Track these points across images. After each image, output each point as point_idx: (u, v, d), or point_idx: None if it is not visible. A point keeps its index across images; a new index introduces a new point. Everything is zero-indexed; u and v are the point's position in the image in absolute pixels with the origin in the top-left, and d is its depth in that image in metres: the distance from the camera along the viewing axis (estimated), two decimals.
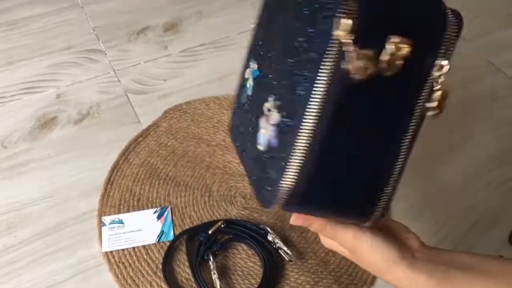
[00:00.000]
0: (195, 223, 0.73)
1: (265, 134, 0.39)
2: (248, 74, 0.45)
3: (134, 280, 0.67)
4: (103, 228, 0.72)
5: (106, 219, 0.73)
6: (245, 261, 0.69)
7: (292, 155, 0.35)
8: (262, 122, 0.40)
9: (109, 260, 0.69)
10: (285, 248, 0.68)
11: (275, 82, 0.40)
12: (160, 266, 0.68)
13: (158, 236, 0.71)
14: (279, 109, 0.38)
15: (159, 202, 0.75)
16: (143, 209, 0.74)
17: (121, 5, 1.09)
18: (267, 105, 0.39)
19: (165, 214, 0.74)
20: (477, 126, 0.90)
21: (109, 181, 0.78)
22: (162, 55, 0.99)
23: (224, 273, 0.68)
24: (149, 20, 1.06)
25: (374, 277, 0.69)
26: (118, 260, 0.69)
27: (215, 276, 0.65)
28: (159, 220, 0.73)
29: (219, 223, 0.70)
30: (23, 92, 0.91)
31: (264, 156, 0.39)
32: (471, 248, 0.72)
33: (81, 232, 0.72)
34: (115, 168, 0.79)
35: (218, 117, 0.88)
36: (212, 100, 0.90)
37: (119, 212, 0.74)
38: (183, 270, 0.68)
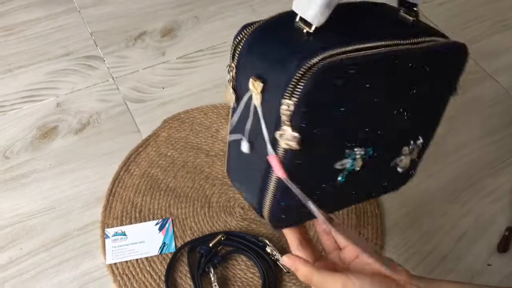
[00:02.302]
0: (195, 235, 0.75)
1: None
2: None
3: None
4: (107, 241, 0.74)
5: (110, 231, 0.75)
6: (245, 272, 0.72)
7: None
8: None
9: (113, 272, 0.71)
10: None
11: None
12: (162, 277, 0.71)
13: (160, 248, 0.73)
14: None
15: (160, 213, 0.78)
16: (145, 220, 0.77)
17: (118, 9, 1.10)
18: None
19: (167, 226, 0.76)
20: (467, 134, 0.93)
21: (111, 192, 0.80)
22: (160, 61, 1.00)
23: (224, 283, 0.71)
24: (146, 25, 1.07)
25: None
26: (122, 272, 0.71)
27: None
28: (160, 232, 0.75)
29: (219, 236, 0.72)
30: (23, 100, 0.92)
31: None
32: (460, 258, 0.76)
33: (85, 243, 0.74)
34: (117, 179, 0.81)
35: (217, 126, 0.89)
36: (210, 109, 0.92)
37: (121, 224, 0.76)
38: (185, 281, 0.70)
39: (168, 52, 1.02)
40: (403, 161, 0.50)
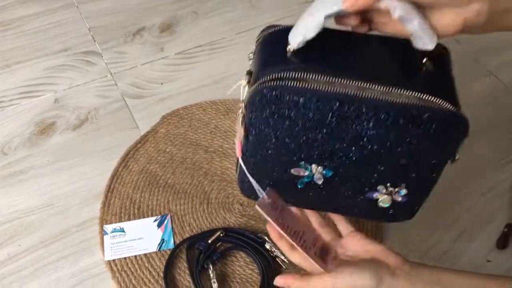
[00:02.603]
0: (194, 231, 0.75)
1: None
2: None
3: None
4: (105, 237, 0.73)
5: (108, 227, 0.75)
6: (244, 268, 0.72)
7: None
8: None
9: (111, 268, 0.71)
10: (282, 257, 0.70)
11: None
12: (161, 274, 0.70)
13: (159, 244, 0.73)
14: None
15: (159, 210, 0.77)
16: (144, 217, 0.76)
17: (116, 4, 1.09)
18: None
19: (165, 222, 0.76)
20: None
21: (110, 188, 0.79)
22: (159, 57, 1.00)
23: (223, 280, 0.71)
24: (144, 20, 1.06)
25: None
26: (120, 268, 0.71)
27: (215, 285, 0.67)
28: (159, 228, 0.75)
29: (218, 233, 0.72)
30: (21, 96, 0.91)
31: None
32: (460, 254, 0.76)
33: (83, 240, 0.74)
34: (115, 175, 0.81)
35: (216, 122, 0.89)
36: (209, 105, 0.92)
37: (120, 220, 0.76)
38: (183, 278, 0.70)
39: (166, 48, 1.02)
40: (382, 199, 0.53)
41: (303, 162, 0.50)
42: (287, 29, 0.48)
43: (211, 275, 0.68)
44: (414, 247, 0.76)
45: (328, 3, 0.45)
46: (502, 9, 0.45)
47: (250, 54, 0.53)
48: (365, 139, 0.47)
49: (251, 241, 0.73)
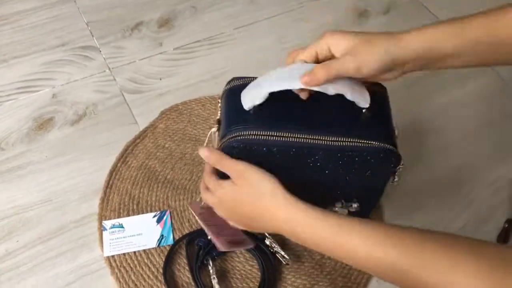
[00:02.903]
0: (194, 227, 0.75)
1: None
2: None
3: (136, 284, 0.69)
4: (104, 233, 0.73)
5: (107, 223, 0.74)
6: (243, 264, 0.72)
7: None
8: None
9: (110, 264, 0.71)
10: (282, 252, 0.70)
11: None
12: (161, 270, 0.70)
13: (158, 240, 0.73)
14: None
15: (158, 205, 0.77)
16: (143, 212, 0.76)
17: None
18: None
19: (165, 218, 0.75)
20: (467, 126, 0.92)
21: (108, 184, 0.79)
22: (157, 52, 0.99)
23: (223, 276, 0.70)
24: (143, 15, 1.06)
25: (368, 279, 0.72)
26: (119, 264, 0.71)
27: (214, 281, 0.67)
28: (158, 224, 0.74)
29: None
30: (18, 91, 0.90)
31: None
32: None
33: (82, 236, 0.73)
34: (114, 171, 0.80)
35: (215, 117, 0.88)
36: (208, 100, 0.91)
37: (119, 216, 0.75)
38: (183, 274, 0.70)
39: (165, 43, 1.01)
40: (340, 211, 0.67)
41: None
42: (249, 84, 0.60)
43: (211, 271, 0.68)
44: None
45: (276, 80, 0.56)
46: (435, 60, 0.55)
47: (219, 100, 0.65)
48: (319, 173, 0.60)
49: (250, 237, 0.72)
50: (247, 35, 1.04)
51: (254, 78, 0.63)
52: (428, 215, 0.79)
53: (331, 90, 0.54)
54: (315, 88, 0.54)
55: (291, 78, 0.55)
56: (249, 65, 0.98)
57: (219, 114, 0.65)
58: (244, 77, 0.64)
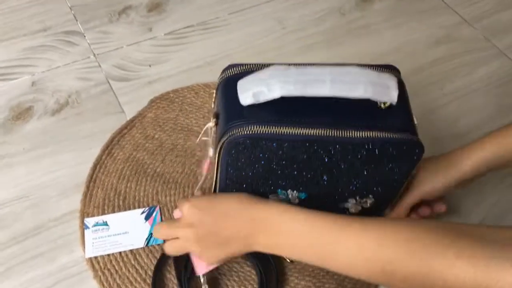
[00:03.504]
0: None
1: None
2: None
3: None
4: (86, 231, 0.66)
5: (89, 221, 0.67)
6: (241, 265, 0.65)
7: None
8: None
9: (93, 266, 0.63)
10: None
11: None
12: (149, 272, 0.63)
13: (147, 239, 0.66)
14: None
15: (147, 201, 0.70)
16: (130, 209, 0.69)
17: None
18: None
19: (154, 215, 0.68)
20: (479, 114, 0.85)
21: (92, 178, 0.71)
22: (146, 38, 0.92)
23: (218, 279, 0.63)
24: None
25: None
26: (103, 266, 0.63)
27: None
28: (147, 221, 0.67)
29: None
30: None
31: None
32: None
33: (61, 235, 0.66)
34: (98, 164, 0.73)
35: (209, 106, 0.81)
36: (201, 88, 0.84)
37: (103, 213, 0.68)
38: (174, 276, 0.63)
39: (155, 28, 0.94)
40: (352, 208, 0.61)
41: (279, 189, 0.57)
42: (247, 72, 0.54)
43: (202, 280, 0.61)
44: None
45: (296, 83, 0.50)
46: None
47: (214, 91, 0.57)
48: (334, 168, 0.54)
49: None
50: (243, 19, 0.97)
51: (254, 66, 0.56)
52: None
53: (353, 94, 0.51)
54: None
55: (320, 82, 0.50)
56: (245, 51, 0.91)
57: (214, 107, 0.58)
58: (242, 64, 0.57)
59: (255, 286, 0.63)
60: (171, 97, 0.82)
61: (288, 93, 0.49)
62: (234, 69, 0.56)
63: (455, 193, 0.69)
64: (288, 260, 0.63)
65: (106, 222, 0.67)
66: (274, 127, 0.50)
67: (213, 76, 0.85)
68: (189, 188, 0.71)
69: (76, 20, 0.94)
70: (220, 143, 0.52)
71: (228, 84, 0.55)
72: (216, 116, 0.55)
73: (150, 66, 0.87)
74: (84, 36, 0.91)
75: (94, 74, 0.85)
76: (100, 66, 0.86)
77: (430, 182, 0.61)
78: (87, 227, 0.66)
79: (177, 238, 0.55)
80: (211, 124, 0.55)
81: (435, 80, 0.89)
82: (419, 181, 0.61)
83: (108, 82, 0.84)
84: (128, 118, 0.79)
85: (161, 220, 0.68)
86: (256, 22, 0.97)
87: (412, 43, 0.95)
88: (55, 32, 0.91)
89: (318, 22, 0.98)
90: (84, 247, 0.65)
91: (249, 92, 0.50)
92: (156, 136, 0.77)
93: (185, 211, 0.54)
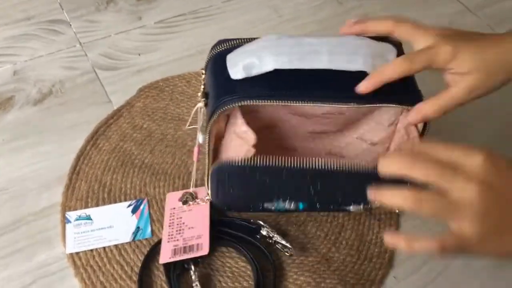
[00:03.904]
0: None
1: None
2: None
3: (105, 286, 0.57)
4: (68, 226, 0.61)
5: (71, 214, 0.62)
6: (236, 260, 0.60)
7: None
8: None
9: (74, 263, 0.58)
10: (283, 242, 0.58)
11: None
12: (136, 268, 0.58)
13: (133, 233, 0.61)
14: None
15: (134, 193, 0.65)
16: (115, 202, 0.64)
17: None
18: None
19: (141, 208, 0.63)
20: (489, 100, 0.81)
21: (75, 170, 0.67)
22: (136, 26, 0.88)
23: (210, 275, 0.58)
24: None
25: (384, 275, 0.60)
26: (85, 263, 0.58)
27: None
28: (134, 215, 0.63)
29: None
30: None
31: None
32: None
33: (41, 230, 0.61)
34: (82, 155, 0.68)
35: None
36: (193, 76, 0.80)
37: (86, 206, 0.63)
38: (162, 273, 0.58)
39: (145, 17, 0.90)
40: (353, 211, 0.55)
41: (276, 199, 0.53)
42: (238, 46, 0.50)
43: (193, 277, 0.56)
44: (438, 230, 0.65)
45: (291, 54, 0.46)
46: None
47: (203, 71, 0.54)
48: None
49: (241, 233, 0.60)
50: (238, 8, 0.93)
51: (245, 40, 0.52)
52: None
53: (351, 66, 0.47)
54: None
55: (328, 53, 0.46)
56: None
57: (203, 87, 0.54)
58: (233, 39, 0.53)
59: (250, 282, 0.58)
60: (161, 86, 0.78)
61: (282, 65, 0.45)
62: (224, 44, 0.52)
63: None
64: (287, 254, 0.59)
65: (89, 216, 0.62)
66: (267, 102, 0.46)
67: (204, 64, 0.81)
68: (180, 180, 0.67)
69: (62, 9, 0.89)
70: (211, 122, 0.47)
71: (217, 60, 0.51)
72: (205, 95, 0.50)
73: (139, 55, 0.83)
74: (70, 25, 0.87)
75: (80, 63, 0.81)
76: (86, 55, 0.82)
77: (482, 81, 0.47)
78: (69, 221, 0.61)
79: (439, 191, 0.36)
80: (200, 104, 0.50)
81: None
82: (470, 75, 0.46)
83: (95, 71, 0.80)
84: (115, 108, 0.75)
85: (149, 214, 0.63)
86: (251, 10, 0.93)
87: None
88: (39, 21, 0.87)
89: (315, 10, 0.94)
90: (65, 243, 0.60)
91: (240, 66, 0.46)
92: (145, 126, 0.73)
93: (478, 162, 0.36)
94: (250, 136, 0.49)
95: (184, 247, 0.56)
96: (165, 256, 0.55)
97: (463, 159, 0.36)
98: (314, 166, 0.48)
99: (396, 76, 0.46)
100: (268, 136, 0.54)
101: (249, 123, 0.50)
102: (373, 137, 0.56)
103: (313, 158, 0.49)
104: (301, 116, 0.53)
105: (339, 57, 0.46)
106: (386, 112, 0.53)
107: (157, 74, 0.80)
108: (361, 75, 0.47)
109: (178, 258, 0.55)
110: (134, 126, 0.72)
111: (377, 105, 0.48)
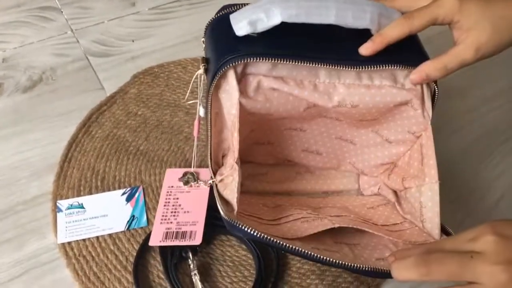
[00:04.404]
0: None
1: None
2: None
3: (98, 277, 0.54)
4: (59, 215, 0.58)
5: (63, 203, 0.59)
6: (236, 249, 0.57)
7: None
8: None
9: (66, 254, 0.55)
10: None
11: None
12: (130, 258, 0.55)
13: (128, 222, 0.58)
14: None
15: (129, 181, 0.62)
16: (109, 190, 0.61)
17: None
18: None
19: (136, 196, 0.60)
20: (492, 85, 0.79)
21: (66, 158, 0.64)
22: (129, 12, 0.85)
23: (210, 264, 0.55)
24: None
25: None
26: (78, 253, 0.56)
27: (196, 278, 0.52)
28: (128, 203, 0.60)
29: None
30: None
31: None
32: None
33: (31, 220, 0.58)
34: (74, 142, 0.66)
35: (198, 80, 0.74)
36: (189, 62, 0.77)
37: (78, 195, 0.60)
38: (159, 262, 0.55)
39: (139, 2, 0.87)
40: None
41: None
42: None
43: (191, 266, 0.53)
44: (443, 220, 0.63)
45: (299, 7, 0.43)
46: None
47: (203, 39, 0.51)
48: None
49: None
50: None
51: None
52: (456, 188, 0.65)
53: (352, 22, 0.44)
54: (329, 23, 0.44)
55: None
56: None
57: (204, 53, 0.51)
58: (238, 4, 0.49)
59: (252, 271, 0.55)
60: (156, 72, 0.75)
61: (289, 18, 0.42)
62: (229, 9, 0.49)
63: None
64: None
65: (82, 204, 0.59)
66: (272, 60, 0.44)
67: (201, 51, 0.78)
68: (176, 167, 0.64)
69: None
70: (212, 86, 0.45)
71: (220, 22, 0.48)
72: (206, 60, 0.47)
73: (133, 41, 0.80)
74: (61, 12, 0.84)
75: (72, 50, 0.78)
76: (78, 41, 0.79)
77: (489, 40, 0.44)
78: (60, 210, 0.58)
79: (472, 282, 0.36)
80: (200, 71, 0.47)
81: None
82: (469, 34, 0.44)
83: (87, 58, 0.77)
84: (108, 95, 0.72)
85: (144, 202, 0.60)
86: None
87: None
88: (30, 8, 0.84)
89: None
90: (57, 232, 0.57)
91: (245, 21, 0.43)
92: (139, 113, 0.70)
93: (489, 242, 0.36)
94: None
95: (177, 232, 0.53)
96: (156, 238, 0.52)
97: (474, 246, 0.37)
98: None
99: (397, 36, 0.44)
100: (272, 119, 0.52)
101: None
102: (390, 135, 0.53)
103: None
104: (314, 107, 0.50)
105: (347, 13, 0.43)
106: (408, 118, 0.50)
107: (151, 61, 0.77)
108: (366, 34, 0.45)
109: (169, 243, 0.53)
110: (128, 113, 0.69)
111: (381, 67, 0.45)
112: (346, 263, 0.44)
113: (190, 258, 0.54)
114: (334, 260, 0.44)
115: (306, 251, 0.43)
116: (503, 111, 0.76)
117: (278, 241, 0.44)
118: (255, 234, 0.43)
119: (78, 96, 0.71)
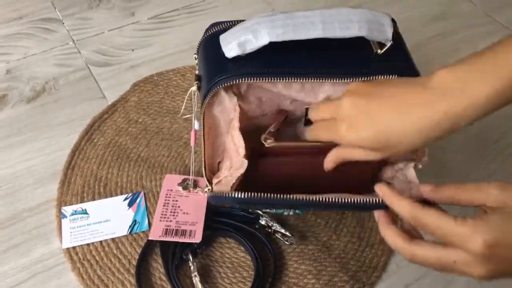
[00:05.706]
0: None
1: None
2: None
3: (102, 280, 0.56)
4: (64, 221, 0.60)
5: (67, 209, 0.61)
6: (235, 250, 0.59)
7: None
8: None
9: (71, 258, 0.57)
10: (282, 231, 0.57)
11: None
12: (133, 262, 0.57)
13: (130, 226, 0.60)
14: None
15: (130, 187, 0.64)
16: (111, 196, 0.63)
17: None
18: None
19: (138, 201, 0.62)
20: None
21: (70, 165, 0.66)
22: (129, 22, 0.87)
23: (209, 266, 0.57)
24: None
25: (386, 262, 0.59)
26: (82, 257, 0.57)
27: (196, 279, 0.54)
28: (130, 208, 0.62)
29: None
30: None
31: None
32: None
33: (37, 226, 0.60)
34: (77, 150, 0.68)
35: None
36: (188, 70, 0.79)
37: (82, 201, 0.62)
38: (161, 265, 0.57)
39: (138, 12, 0.89)
40: None
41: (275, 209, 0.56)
42: (231, 27, 0.48)
43: (191, 267, 0.55)
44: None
45: (284, 26, 0.44)
46: None
47: (195, 55, 0.53)
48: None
49: (240, 223, 0.59)
50: (231, 1, 0.92)
51: (239, 22, 0.51)
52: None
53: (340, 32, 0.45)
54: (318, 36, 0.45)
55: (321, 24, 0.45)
56: None
57: (197, 71, 0.53)
58: (226, 21, 0.52)
59: (250, 272, 0.57)
60: (156, 80, 0.77)
61: (276, 37, 0.44)
62: (217, 27, 0.51)
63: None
64: (288, 243, 0.58)
65: (85, 210, 0.61)
66: (260, 80, 0.45)
67: None
68: (176, 172, 0.66)
69: (55, 8, 0.89)
70: (204, 105, 0.47)
71: (210, 42, 0.50)
72: (198, 78, 0.49)
73: (132, 50, 0.82)
74: (63, 23, 0.86)
75: (73, 60, 0.80)
76: (79, 52, 0.81)
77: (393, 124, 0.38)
78: (65, 216, 0.60)
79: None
80: (193, 88, 0.49)
81: (435, 57, 0.85)
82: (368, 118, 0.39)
83: (88, 68, 0.79)
84: (109, 103, 0.74)
85: (146, 207, 0.62)
86: (244, 5, 0.92)
87: (408, 19, 0.91)
88: (32, 19, 0.86)
89: (309, 3, 0.94)
90: (61, 238, 0.59)
91: (234, 43, 0.45)
92: (140, 120, 0.72)
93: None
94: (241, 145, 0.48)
95: (176, 230, 0.56)
96: (156, 233, 0.54)
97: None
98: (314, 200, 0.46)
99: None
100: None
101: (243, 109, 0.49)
102: None
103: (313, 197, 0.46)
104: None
105: (333, 25, 0.45)
106: None
107: (150, 69, 0.79)
108: (360, 40, 0.47)
109: (169, 238, 0.55)
110: (129, 121, 0.71)
111: (370, 78, 0.46)
112: (339, 199, 0.45)
113: (190, 260, 0.56)
114: (326, 198, 0.45)
115: (297, 197, 0.45)
116: None
117: (268, 195, 0.45)
118: (243, 196, 0.45)
119: (80, 105, 0.74)
